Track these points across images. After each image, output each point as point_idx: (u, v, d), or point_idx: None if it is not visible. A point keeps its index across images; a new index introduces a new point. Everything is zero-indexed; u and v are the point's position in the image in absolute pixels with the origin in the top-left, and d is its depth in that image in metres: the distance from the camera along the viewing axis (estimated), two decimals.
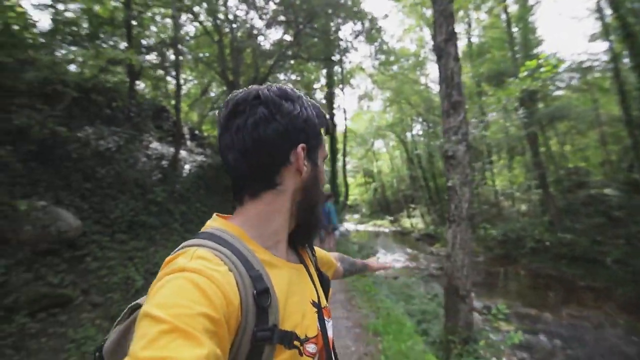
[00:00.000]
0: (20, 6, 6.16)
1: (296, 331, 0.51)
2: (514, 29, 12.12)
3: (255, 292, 0.47)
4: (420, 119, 18.33)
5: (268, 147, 0.54)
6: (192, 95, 13.54)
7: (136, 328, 0.37)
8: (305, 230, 0.64)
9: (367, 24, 12.20)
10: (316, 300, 0.61)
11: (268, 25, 11.43)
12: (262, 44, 11.90)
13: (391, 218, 21.72)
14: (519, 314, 6.53)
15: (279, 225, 0.58)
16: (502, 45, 12.62)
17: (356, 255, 8.54)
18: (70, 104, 5.22)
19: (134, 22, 8.45)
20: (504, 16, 12.47)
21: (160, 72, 10.77)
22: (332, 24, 11.80)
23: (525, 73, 4.68)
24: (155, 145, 7.77)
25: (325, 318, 0.63)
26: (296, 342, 0.51)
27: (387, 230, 18.77)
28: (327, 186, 20.25)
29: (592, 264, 8.38)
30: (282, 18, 11.18)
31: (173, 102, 9.64)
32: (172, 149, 7.97)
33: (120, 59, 6.53)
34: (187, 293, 0.40)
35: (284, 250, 0.60)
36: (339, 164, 19.41)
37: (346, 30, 16.01)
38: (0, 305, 2.89)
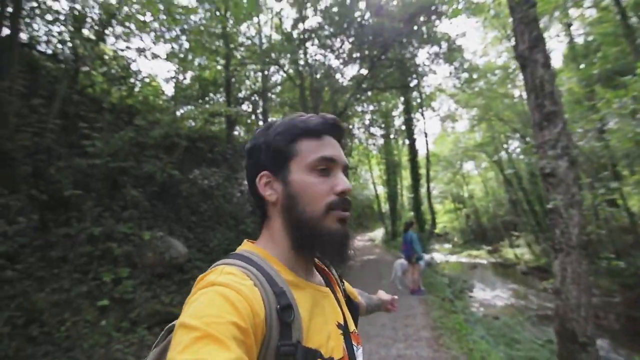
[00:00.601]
0: (155, 81, 8.07)
1: (321, 351, 0.52)
2: (632, 19, 10.10)
3: (278, 306, 0.49)
4: (518, 135, 16.25)
5: (249, 184, 0.65)
6: None
7: (173, 338, 0.41)
8: (307, 247, 0.60)
9: (443, 46, 11.84)
10: (342, 323, 0.62)
11: (344, 64, 12.11)
12: (339, 80, 12.59)
13: (489, 248, 19.02)
14: None
15: (286, 247, 0.61)
16: (615, 41, 10.61)
17: (447, 290, 7.74)
18: (182, 151, 6.38)
19: (232, 80, 10.08)
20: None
21: (253, 118, 12.38)
22: (405, 51, 11.82)
23: None
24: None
25: (355, 344, 0.62)
26: None
27: (484, 261, 16.43)
28: (410, 214, 19.24)
29: None
30: (356, 55, 11.71)
31: None
32: None
33: (220, 112, 7.79)
34: (218, 304, 0.44)
35: (305, 272, 0.62)
36: (423, 190, 18.35)
37: (422, 55, 15.65)
38: (128, 318, 3.57)
